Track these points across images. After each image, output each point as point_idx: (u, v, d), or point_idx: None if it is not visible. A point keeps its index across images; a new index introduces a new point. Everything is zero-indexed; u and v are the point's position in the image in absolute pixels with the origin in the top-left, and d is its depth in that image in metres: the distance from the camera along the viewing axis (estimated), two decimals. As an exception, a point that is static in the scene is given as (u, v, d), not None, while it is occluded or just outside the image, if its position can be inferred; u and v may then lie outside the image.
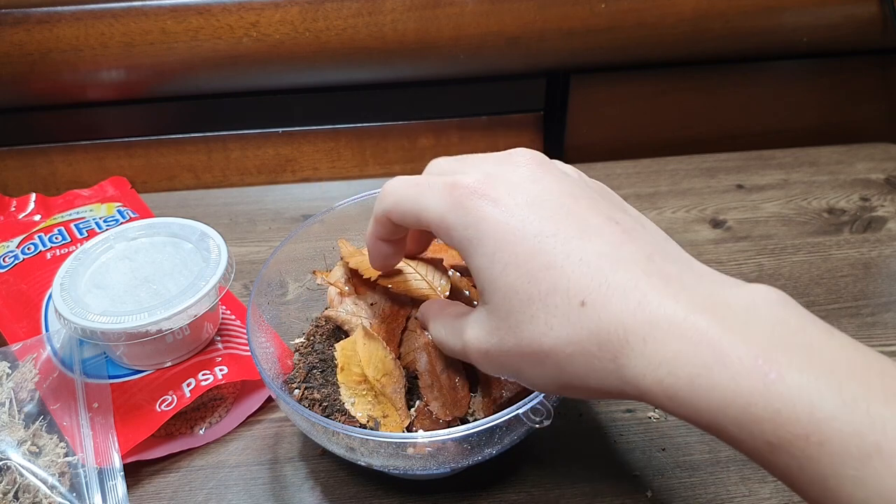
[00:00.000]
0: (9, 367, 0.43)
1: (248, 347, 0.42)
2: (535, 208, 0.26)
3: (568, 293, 0.24)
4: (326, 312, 0.41)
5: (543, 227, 0.26)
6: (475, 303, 0.37)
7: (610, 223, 0.26)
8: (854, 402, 0.20)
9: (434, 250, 0.42)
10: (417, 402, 0.36)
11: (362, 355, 0.37)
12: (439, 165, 0.32)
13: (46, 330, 0.46)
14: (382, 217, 0.31)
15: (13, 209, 0.59)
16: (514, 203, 0.26)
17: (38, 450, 0.38)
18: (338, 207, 0.44)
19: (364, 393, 0.36)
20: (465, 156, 0.31)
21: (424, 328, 0.35)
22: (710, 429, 0.23)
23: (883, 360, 0.22)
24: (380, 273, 0.38)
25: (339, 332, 0.41)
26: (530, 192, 0.27)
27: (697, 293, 0.24)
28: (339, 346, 0.37)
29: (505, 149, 0.31)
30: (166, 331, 0.41)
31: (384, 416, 0.35)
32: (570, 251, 0.25)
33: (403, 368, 0.37)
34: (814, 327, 0.23)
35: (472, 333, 0.29)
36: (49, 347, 0.44)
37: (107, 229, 0.52)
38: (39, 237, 0.52)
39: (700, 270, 0.26)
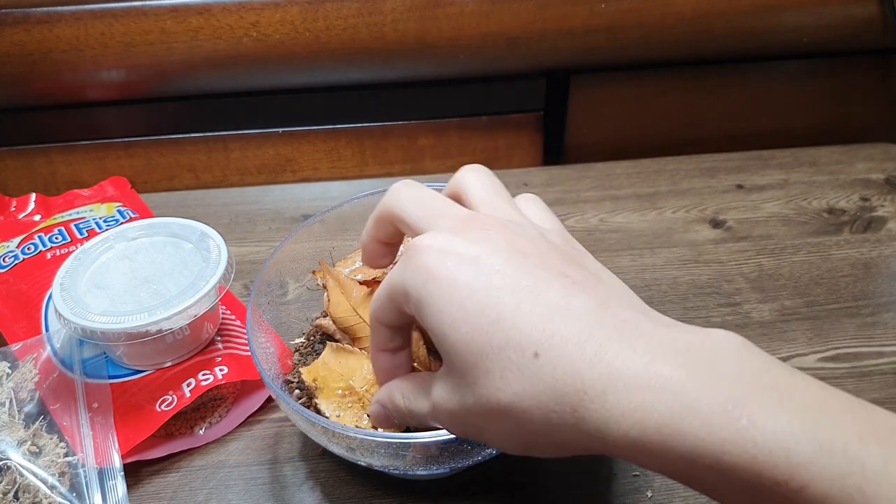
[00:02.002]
0: (9, 367, 0.43)
1: (248, 347, 0.42)
2: (482, 262, 0.26)
3: (520, 345, 0.24)
4: (318, 322, 0.41)
5: (492, 280, 0.25)
6: None
7: (560, 276, 0.25)
8: (830, 444, 0.20)
9: None
10: None
11: (341, 370, 0.37)
12: (435, 206, 0.30)
13: (46, 330, 0.46)
14: (373, 320, 0.30)
15: (13, 209, 0.59)
16: (459, 257, 0.26)
17: (38, 450, 0.38)
18: (338, 207, 0.44)
19: (350, 405, 0.36)
20: (446, 203, 0.30)
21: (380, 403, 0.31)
22: (682, 478, 0.22)
23: (849, 399, 0.22)
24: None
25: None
26: (478, 247, 0.26)
27: (655, 339, 0.23)
28: (305, 371, 0.38)
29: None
30: (166, 331, 0.41)
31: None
32: (519, 303, 0.24)
33: None
34: (778, 370, 0.22)
35: (437, 393, 0.27)
36: (49, 347, 0.44)
37: (107, 229, 0.52)
38: (39, 237, 0.52)
39: (656, 317, 0.25)
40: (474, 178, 0.31)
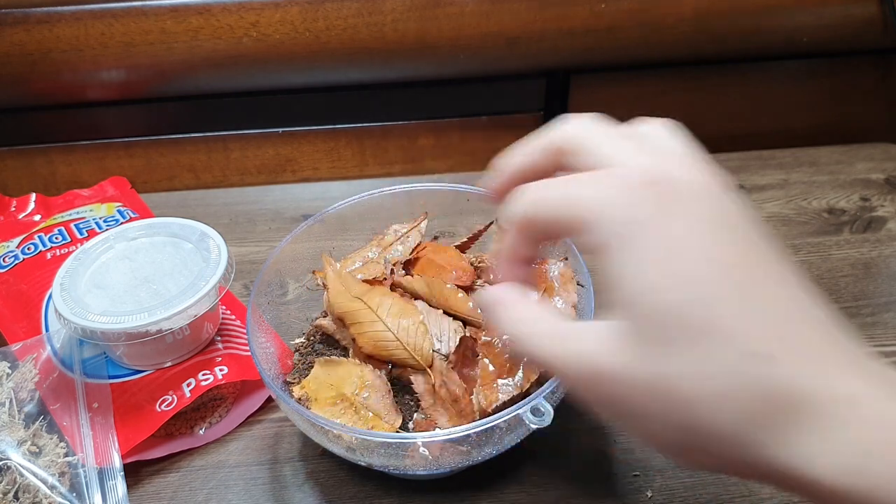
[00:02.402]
0: (9, 367, 0.43)
1: (248, 347, 0.42)
2: (717, 229, 0.22)
3: (738, 336, 0.20)
4: (318, 322, 0.42)
5: (724, 254, 0.21)
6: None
7: (791, 275, 0.22)
8: None
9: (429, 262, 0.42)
10: (416, 416, 0.36)
11: (331, 381, 0.37)
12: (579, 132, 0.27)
13: (46, 330, 0.46)
14: (524, 223, 0.25)
15: (13, 209, 0.59)
16: (695, 214, 0.22)
17: (38, 450, 0.38)
18: (338, 207, 0.44)
19: (343, 412, 0.36)
20: (598, 133, 0.27)
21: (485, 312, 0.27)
22: None
23: None
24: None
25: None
26: (712, 209, 0.22)
27: (887, 379, 0.20)
28: (296, 389, 0.38)
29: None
30: (166, 331, 0.41)
31: (370, 427, 0.35)
32: (749, 291, 0.21)
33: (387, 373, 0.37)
34: None
35: (590, 344, 0.22)
36: (49, 347, 0.44)
37: (107, 229, 0.52)
38: (39, 237, 0.52)
39: (865, 350, 0.22)
40: (667, 134, 0.27)
